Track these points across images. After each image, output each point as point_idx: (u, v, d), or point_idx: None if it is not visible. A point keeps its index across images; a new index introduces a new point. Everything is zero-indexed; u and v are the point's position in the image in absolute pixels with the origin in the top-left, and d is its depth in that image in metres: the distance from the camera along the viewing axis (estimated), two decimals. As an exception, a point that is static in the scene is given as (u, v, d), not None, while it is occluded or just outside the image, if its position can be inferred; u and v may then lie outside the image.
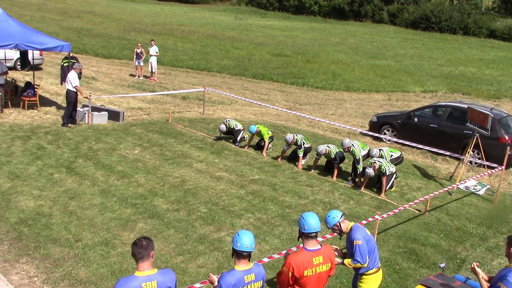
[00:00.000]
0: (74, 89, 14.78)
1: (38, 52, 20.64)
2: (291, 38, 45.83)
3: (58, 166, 11.57)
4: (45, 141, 13.31)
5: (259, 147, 14.31)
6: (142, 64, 24.03)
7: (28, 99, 16.22)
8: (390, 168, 11.47)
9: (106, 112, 15.88)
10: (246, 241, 4.81)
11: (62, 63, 17.78)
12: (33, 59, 19.40)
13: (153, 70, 23.73)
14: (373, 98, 24.97)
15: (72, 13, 47.91)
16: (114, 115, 15.96)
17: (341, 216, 6.10)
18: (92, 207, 9.66)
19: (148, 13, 55.97)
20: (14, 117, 15.25)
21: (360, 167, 11.94)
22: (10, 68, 20.41)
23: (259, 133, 14.04)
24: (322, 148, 12.43)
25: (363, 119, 19.53)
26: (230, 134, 14.82)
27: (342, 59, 35.60)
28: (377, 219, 8.62)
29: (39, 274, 7.35)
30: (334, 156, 12.38)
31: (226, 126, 14.51)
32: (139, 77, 24.06)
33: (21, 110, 16.03)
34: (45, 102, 17.31)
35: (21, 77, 20.15)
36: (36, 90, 16.61)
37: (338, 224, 6.11)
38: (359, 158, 11.92)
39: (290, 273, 5.12)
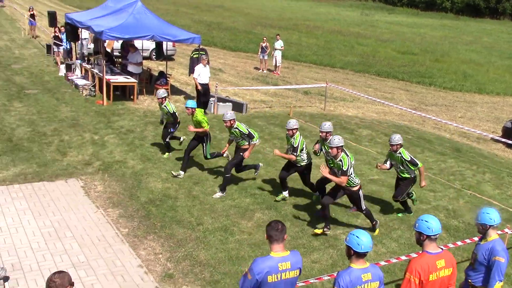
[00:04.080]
0: (201, 81, 15.38)
1: (171, 43, 21.90)
2: (419, 35, 43.96)
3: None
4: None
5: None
6: (266, 58, 24.50)
7: (161, 87, 17.27)
8: None
9: (230, 103, 16.44)
10: (367, 241, 4.71)
11: (192, 55, 18.69)
12: (166, 50, 20.60)
13: (277, 64, 24.09)
14: (508, 102, 23.17)
15: (203, 7, 50.12)
16: (237, 107, 16.47)
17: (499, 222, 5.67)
18: (213, 193, 10.07)
19: (274, 8, 56.84)
20: (147, 104, 16.36)
21: None
22: (146, 58, 21.91)
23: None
24: None
25: (495, 124, 18.21)
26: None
27: (474, 59, 33.45)
28: (506, 232, 8.02)
29: (163, 252, 7.83)
30: None
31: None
32: (263, 70, 24.57)
33: (154, 97, 17.08)
34: (176, 91, 18.34)
35: (155, 66, 21.52)
36: (168, 79, 17.66)
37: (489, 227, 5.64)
38: None
39: (416, 279, 4.89)
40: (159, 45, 21.71)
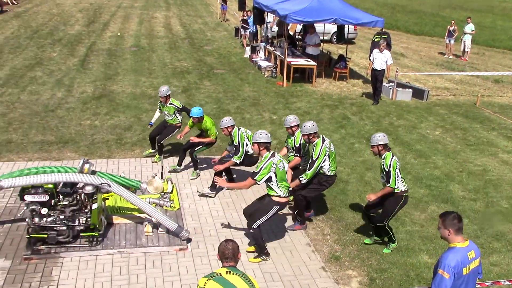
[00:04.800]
0: (374, 66, 14.89)
1: (353, 27, 21.69)
2: None
3: (359, 137, 12.10)
4: (350, 111, 14.03)
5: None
6: (453, 42, 22.94)
7: (340, 71, 17.31)
8: None
9: (410, 89, 15.80)
10: None
11: (374, 39, 18.29)
12: (347, 33, 20.47)
13: (466, 50, 22.41)
14: None
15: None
16: (418, 93, 15.76)
17: None
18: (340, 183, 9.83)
19: (467, -11, 52.71)
20: (325, 87, 16.52)
21: None
22: (326, 41, 22.05)
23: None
24: None
25: None
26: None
27: None
28: None
29: (331, 233, 7.90)
30: None
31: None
32: (448, 55, 23.07)
33: (332, 80, 17.23)
34: (354, 75, 18.19)
35: (335, 50, 21.55)
36: (347, 63, 17.57)
37: None
38: None
39: None
40: (340, 28, 21.66)
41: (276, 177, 6.81)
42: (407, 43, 26.19)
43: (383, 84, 15.70)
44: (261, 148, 6.91)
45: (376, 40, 17.76)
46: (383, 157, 7.08)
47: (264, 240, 7.16)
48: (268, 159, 6.82)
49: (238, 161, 8.64)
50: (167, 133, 10.04)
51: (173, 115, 10.01)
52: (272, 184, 6.86)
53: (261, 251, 7.07)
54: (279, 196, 6.89)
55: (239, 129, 8.75)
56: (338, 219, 8.33)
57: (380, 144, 7.09)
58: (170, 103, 9.90)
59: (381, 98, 15.16)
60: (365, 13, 17.61)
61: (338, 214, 8.49)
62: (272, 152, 6.95)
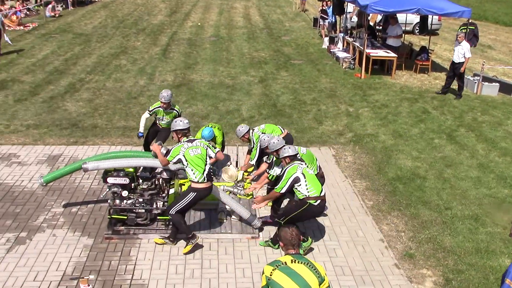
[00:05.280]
0: (454, 58, 14.21)
1: (437, 17, 20.82)
2: None
3: (439, 132, 11.66)
4: (431, 105, 13.54)
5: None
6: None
7: (421, 63, 16.71)
8: None
9: (497, 84, 14.98)
10: None
11: (460, 30, 17.49)
12: (431, 24, 19.70)
13: (561, 42, 20.91)
14: None
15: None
16: (506, 88, 14.92)
17: None
18: (467, 178, 9.42)
19: None
20: (405, 79, 16.02)
21: None
22: (408, 32, 21.33)
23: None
24: None
25: None
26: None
27: None
28: None
29: (406, 230, 7.69)
30: None
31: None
32: (542, 48, 21.64)
33: (413, 73, 16.68)
34: (436, 67, 17.51)
35: (417, 41, 20.83)
36: (429, 55, 16.93)
37: None
38: None
39: None
40: (423, 19, 20.85)
41: (186, 160, 6.69)
42: (496, 34, 24.82)
43: (467, 77, 15.01)
44: (179, 136, 7.03)
45: (463, 31, 16.97)
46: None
47: (187, 225, 6.94)
48: (181, 142, 6.88)
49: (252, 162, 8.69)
50: (164, 137, 9.08)
51: (171, 120, 8.62)
52: (185, 167, 6.77)
53: (187, 237, 6.84)
54: (193, 181, 6.70)
55: (252, 130, 8.74)
56: (414, 216, 8.09)
57: (286, 156, 6.93)
58: (172, 109, 8.95)
59: (452, 92, 14.44)
60: (450, 2, 16.82)
61: (414, 211, 8.24)
62: (190, 139, 6.95)
